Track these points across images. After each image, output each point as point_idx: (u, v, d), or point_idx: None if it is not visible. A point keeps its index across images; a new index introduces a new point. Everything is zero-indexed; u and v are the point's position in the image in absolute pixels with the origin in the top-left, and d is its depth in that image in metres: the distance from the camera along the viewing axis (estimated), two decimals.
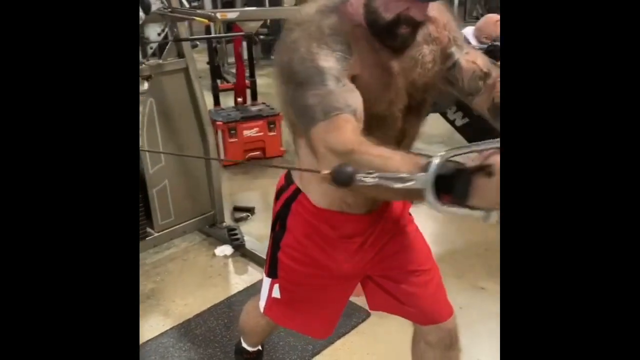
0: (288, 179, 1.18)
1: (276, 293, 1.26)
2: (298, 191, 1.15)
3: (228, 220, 2.74)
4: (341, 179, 0.75)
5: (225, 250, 2.49)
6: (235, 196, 3.11)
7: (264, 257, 2.31)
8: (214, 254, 2.48)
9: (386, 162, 0.78)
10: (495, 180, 0.69)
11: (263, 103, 3.83)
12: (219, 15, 1.88)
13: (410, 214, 1.27)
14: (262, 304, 1.31)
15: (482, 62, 1.11)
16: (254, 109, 3.71)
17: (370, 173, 0.75)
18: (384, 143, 1.01)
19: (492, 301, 2.05)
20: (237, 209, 2.91)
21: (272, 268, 1.25)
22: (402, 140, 1.07)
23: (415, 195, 0.74)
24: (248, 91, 3.91)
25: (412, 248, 1.24)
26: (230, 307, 2.09)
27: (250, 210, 2.88)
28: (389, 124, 1.03)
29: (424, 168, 0.73)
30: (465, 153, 0.75)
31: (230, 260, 2.44)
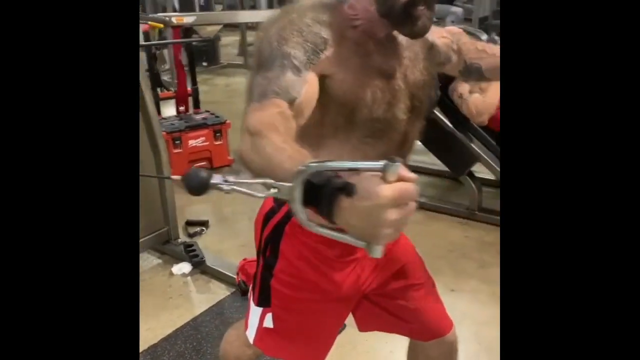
0: (277, 200, 1.10)
1: (268, 323, 1.18)
2: (291, 212, 1.07)
3: (182, 236, 2.60)
4: (192, 185, 0.70)
5: (183, 268, 2.36)
6: (185, 210, 2.97)
7: (226, 272, 2.25)
8: (171, 273, 2.34)
9: (274, 154, 0.73)
10: (362, 205, 0.59)
11: (207, 111, 3.70)
12: (174, 19, 1.77)
13: None
14: (251, 334, 1.22)
15: (446, 32, 1.14)
16: (198, 117, 3.57)
17: (227, 181, 0.70)
18: (388, 147, 0.99)
19: (463, 303, 2.07)
20: (189, 223, 2.77)
21: (263, 297, 1.16)
22: (404, 143, 1.04)
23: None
24: (190, 99, 3.77)
25: (407, 261, 1.21)
26: (197, 329, 1.97)
27: (205, 224, 2.76)
28: (394, 127, 1.00)
29: (295, 176, 0.64)
30: (339, 168, 0.63)
31: (189, 278, 2.31)
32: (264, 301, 1.16)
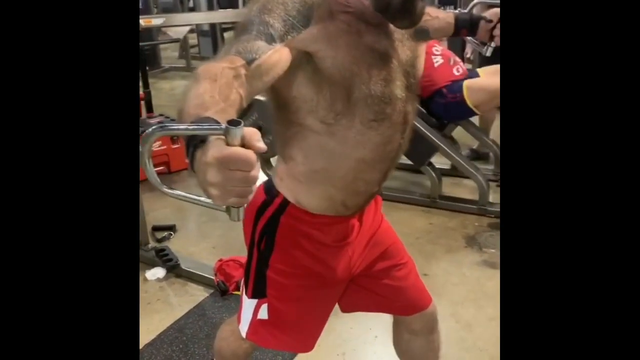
0: (271, 193, 1.12)
1: (263, 314, 1.20)
2: (286, 202, 1.10)
3: (151, 242, 2.57)
4: None
5: (157, 273, 2.33)
6: (149, 215, 2.92)
7: (202, 274, 2.25)
8: (145, 279, 2.30)
9: (191, 98, 0.74)
10: (201, 161, 0.62)
11: (161, 115, 3.64)
12: (142, 22, 1.76)
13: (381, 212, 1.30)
14: (244, 328, 1.24)
15: None
16: (152, 121, 3.50)
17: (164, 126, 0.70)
18: (392, 132, 1.02)
19: (437, 285, 2.17)
20: (156, 228, 2.73)
21: (257, 288, 1.18)
22: (405, 126, 1.07)
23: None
24: (142, 103, 3.69)
25: (390, 243, 1.27)
26: (181, 332, 1.96)
27: (172, 228, 2.73)
28: (394, 107, 1.02)
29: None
30: (186, 132, 0.65)
31: (165, 283, 2.29)
32: (259, 293, 1.18)
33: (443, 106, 2.80)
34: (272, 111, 1.06)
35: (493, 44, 1.35)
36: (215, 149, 0.60)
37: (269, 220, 1.12)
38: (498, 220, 2.68)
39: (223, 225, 2.86)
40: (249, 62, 0.83)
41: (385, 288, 1.25)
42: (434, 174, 2.87)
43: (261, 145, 0.62)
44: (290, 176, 1.08)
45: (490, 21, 1.31)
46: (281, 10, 0.90)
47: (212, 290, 2.21)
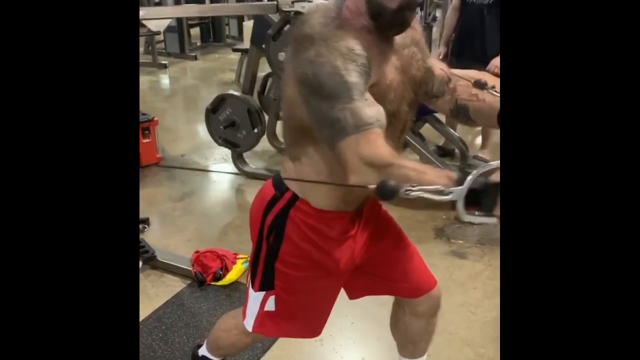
0: (280, 188, 1.17)
1: (270, 306, 1.25)
2: (295, 198, 1.15)
3: None
4: (386, 193, 0.86)
5: None
6: None
7: (179, 265, 2.27)
8: None
9: (422, 177, 0.91)
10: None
11: None
12: None
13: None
14: (250, 322, 1.29)
15: (445, 68, 1.26)
16: None
17: (413, 187, 0.87)
18: (390, 136, 1.06)
19: None
20: None
21: (266, 280, 1.23)
22: (402, 132, 1.14)
23: (444, 205, 0.90)
24: None
25: (391, 231, 1.33)
26: (160, 321, 1.98)
27: (146, 222, 2.73)
28: (399, 119, 1.09)
29: (459, 182, 0.88)
30: (490, 170, 0.90)
31: (141, 275, 2.29)
32: (267, 285, 1.23)
33: None
34: (288, 120, 1.11)
35: None
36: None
37: (279, 214, 1.16)
38: None
39: (197, 218, 2.88)
40: (382, 128, 0.96)
41: (391, 271, 1.31)
42: None
43: None
44: (299, 175, 1.13)
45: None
46: (352, 65, 0.95)
47: (189, 281, 2.23)
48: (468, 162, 3.40)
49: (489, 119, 1.23)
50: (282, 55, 2.56)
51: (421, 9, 5.13)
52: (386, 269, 1.32)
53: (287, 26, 2.65)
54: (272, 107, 3.24)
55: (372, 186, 0.86)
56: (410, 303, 1.37)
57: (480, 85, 1.21)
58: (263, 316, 1.26)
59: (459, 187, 0.87)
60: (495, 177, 0.88)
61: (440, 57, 3.26)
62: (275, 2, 2.46)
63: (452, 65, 2.99)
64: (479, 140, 3.66)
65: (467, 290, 2.20)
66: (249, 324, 1.29)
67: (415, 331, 1.42)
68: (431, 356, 1.54)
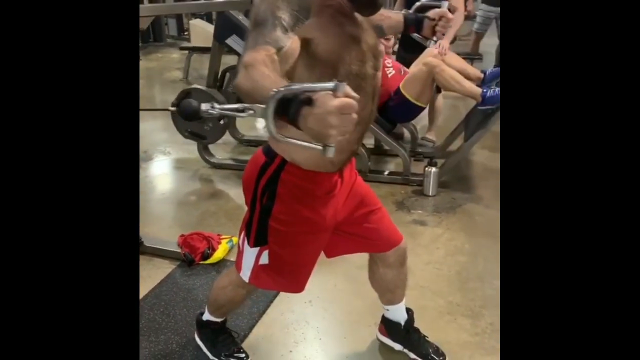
0: (270, 155, 1.34)
1: (264, 260, 1.42)
2: (284, 161, 1.31)
3: None
4: (187, 112, 0.93)
5: None
6: None
7: (167, 249, 2.41)
8: None
9: (261, 80, 0.96)
10: (317, 111, 0.83)
11: None
12: None
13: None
14: (246, 273, 1.46)
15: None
16: None
17: (214, 107, 0.98)
18: (365, 99, 1.26)
19: None
20: None
21: (259, 237, 1.39)
22: (374, 95, 1.33)
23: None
24: None
25: (365, 194, 1.53)
26: (159, 298, 2.12)
27: None
28: (367, 81, 1.26)
29: (269, 96, 0.87)
30: (304, 89, 0.86)
31: None
32: (260, 241, 1.40)
33: (392, 109, 3.14)
34: None
35: (435, 38, 1.61)
36: (333, 100, 0.82)
37: (271, 177, 1.33)
38: (420, 188, 3.09)
39: (173, 207, 3.01)
40: (278, 50, 1.06)
41: (366, 230, 1.52)
42: (364, 152, 3.23)
43: (356, 95, 0.85)
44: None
45: (433, 19, 1.53)
46: (288, 6, 1.11)
47: (178, 262, 2.38)
48: (417, 143, 3.71)
49: (396, 28, 1.57)
50: None
51: None
52: (361, 229, 1.51)
53: None
54: (231, 100, 3.41)
55: (172, 108, 0.94)
56: (381, 257, 1.60)
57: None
58: (258, 269, 1.44)
59: (261, 105, 0.88)
60: (317, 95, 0.85)
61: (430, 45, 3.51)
62: None
63: (405, 59, 3.28)
64: (426, 122, 3.98)
65: (431, 251, 2.48)
66: (245, 275, 1.46)
67: (390, 280, 1.65)
68: (409, 307, 1.79)
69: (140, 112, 5.02)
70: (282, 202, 1.35)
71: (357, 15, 1.26)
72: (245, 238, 1.44)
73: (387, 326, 1.80)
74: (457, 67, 3.08)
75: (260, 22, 1.10)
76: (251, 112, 0.89)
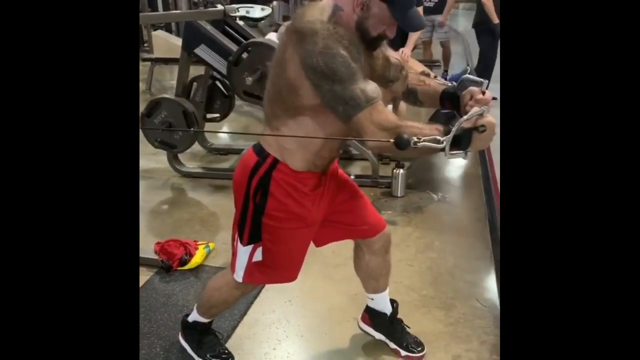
0: (262, 155, 1.41)
1: (258, 256, 1.49)
2: (276, 161, 1.39)
3: None
4: (402, 144, 1.16)
5: None
6: None
7: (144, 256, 2.42)
8: None
9: (422, 131, 1.20)
10: (488, 134, 1.21)
11: None
12: None
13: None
14: (240, 273, 1.52)
15: (398, 56, 1.58)
16: None
17: (419, 139, 1.17)
18: None
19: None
20: None
21: (253, 234, 1.46)
22: None
23: (433, 150, 1.21)
24: None
25: (347, 185, 1.62)
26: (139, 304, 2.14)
27: None
28: None
29: (447, 132, 1.18)
30: (465, 119, 1.20)
31: None
32: (254, 238, 1.47)
33: None
34: (278, 92, 1.33)
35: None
36: (491, 119, 1.21)
37: (264, 176, 1.41)
38: (388, 190, 3.20)
39: (146, 216, 3.02)
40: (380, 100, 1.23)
41: (351, 217, 1.60)
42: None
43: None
44: (278, 143, 1.39)
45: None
46: (352, 55, 1.22)
47: (155, 269, 2.39)
48: None
49: (433, 100, 1.50)
50: (248, 80, 2.75)
51: None
52: (346, 216, 1.60)
53: (245, 54, 2.84)
54: (199, 109, 3.44)
55: (391, 140, 1.16)
56: (367, 243, 1.68)
57: (426, 74, 1.55)
58: (252, 267, 1.50)
59: (448, 136, 1.17)
60: (469, 123, 1.19)
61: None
62: (223, 9, 2.70)
63: None
64: None
65: (403, 249, 2.57)
66: (239, 275, 1.52)
67: (374, 267, 1.73)
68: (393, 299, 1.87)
69: None
70: (275, 199, 1.42)
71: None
72: (238, 238, 1.50)
73: (372, 316, 1.87)
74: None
75: (344, 77, 1.20)
76: (444, 143, 1.18)
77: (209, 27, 3.08)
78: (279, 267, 1.54)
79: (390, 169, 3.20)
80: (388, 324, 1.83)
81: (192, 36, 3.10)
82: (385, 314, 1.82)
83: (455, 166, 3.65)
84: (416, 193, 3.21)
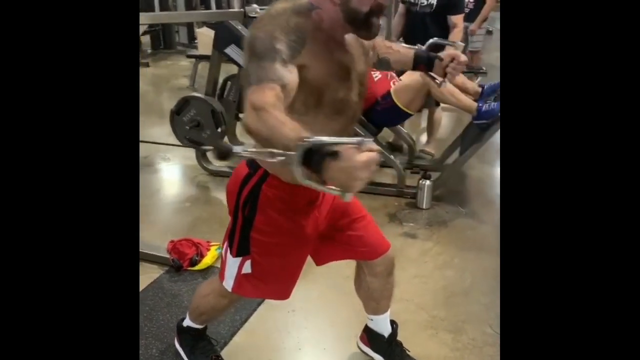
0: (253, 166, 1.35)
1: (247, 269, 1.43)
2: (267, 174, 1.33)
3: None
4: (221, 153, 0.97)
5: None
6: None
7: (156, 254, 2.43)
8: None
9: (279, 126, 0.97)
10: (341, 165, 0.87)
11: None
12: None
13: None
14: (229, 283, 1.47)
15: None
16: None
17: (246, 150, 1.00)
18: (345, 122, 1.29)
19: None
20: None
21: (242, 247, 1.41)
22: (354, 119, 1.35)
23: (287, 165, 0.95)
24: None
25: (349, 203, 1.53)
26: (143, 303, 2.14)
27: None
28: (350, 107, 1.29)
29: (297, 146, 0.91)
30: (330, 142, 0.90)
31: None
32: (243, 251, 1.42)
33: (379, 113, 3.14)
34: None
35: (447, 80, 1.48)
36: (360, 156, 0.86)
37: (253, 188, 1.35)
38: (414, 200, 3.09)
39: (167, 213, 3.04)
40: (283, 87, 1.07)
41: (350, 238, 1.52)
42: None
43: (378, 148, 0.88)
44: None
45: (442, 59, 1.45)
46: (285, 37, 1.12)
47: (166, 268, 2.40)
48: (415, 156, 3.71)
49: (406, 65, 1.51)
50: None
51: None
52: (345, 236, 1.52)
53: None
54: (231, 108, 3.44)
55: (209, 148, 0.98)
56: (369, 265, 1.60)
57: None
58: (241, 278, 1.45)
59: (292, 153, 0.91)
60: (342, 149, 0.88)
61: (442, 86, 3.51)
62: (243, 10, 2.68)
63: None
64: (424, 136, 3.99)
65: (419, 264, 2.47)
66: (228, 284, 1.47)
67: (375, 290, 1.65)
68: (393, 319, 1.78)
69: (147, 117, 5.10)
70: (264, 213, 1.36)
71: (349, 41, 1.28)
72: (228, 248, 1.46)
73: (370, 336, 1.80)
74: (455, 82, 3.08)
75: (260, 54, 1.11)
76: (281, 158, 0.92)
77: (240, 27, 3.06)
78: (269, 281, 1.48)
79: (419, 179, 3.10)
80: (386, 345, 1.75)
81: (222, 35, 3.10)
82: (383, 336, 1.74)
83: (489, 180, 3.49)
84: (443, 206, 3.08)
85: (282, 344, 1.94)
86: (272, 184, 1.34)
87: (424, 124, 4.22)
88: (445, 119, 4.08)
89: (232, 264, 1.45)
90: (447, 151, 3.58)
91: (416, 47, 1.50)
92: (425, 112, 3.93)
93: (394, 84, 3.19)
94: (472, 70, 4.57)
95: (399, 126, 3.69)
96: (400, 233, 2.77)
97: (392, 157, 3.21)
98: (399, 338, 1.79)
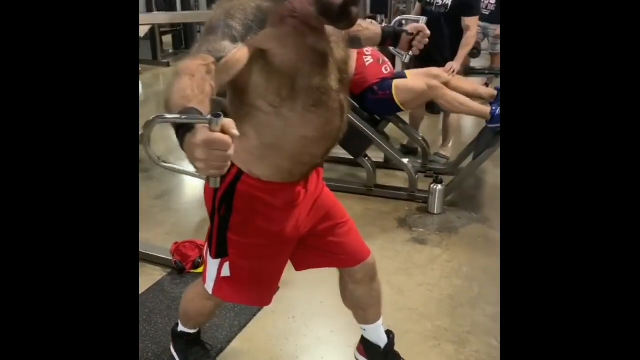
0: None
1: (226, 272, 1.38)
2: (240, 172, 1.27)
3: None
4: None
5: None
6: None
7: (159, 255, 2.41)
8: None
9: (176, 92, 0.91)
10: (194, 141, 0.79)
11: None
12: None
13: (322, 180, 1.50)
14: (210, 285, 1.42)
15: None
16: None
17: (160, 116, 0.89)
18: (329, 115, 1.23)
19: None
20: None
21: (220, 248, 1.36)
22: (342, 111, 1.28)
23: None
24: None
25: (331, 206, 1.48)
26: (143, 305, 2.12)
27: None
28: (330, 96, 1.21)
29: (153, 118, 0.86)
30: (184, 119, 0.84)
31: None
32: (221, 252, 1.36)
33: (373, 102, 3.09)
34: (228, 94, 1.24)
35: (411, 53, 1.54)
36: (202, 133, 0.79)
37: (227, 189, 1.29)
38: (425, 205, 3.02)
39: (174, 214, 3.03)
40: (218, 60, 1.01)
41: (330, 244, 1.47)
42: (369, 166, 3.18)
43: (235, 132, 0.80)
44: (244, 150, 1.23)
45: (411, 34, 1.50)
46: (242, 15, 1.07)
47: (169, 270, 2.38)
48: (430, 159, 3.63)
49: (375, 41, 1.54)
50: None
51: (386, 17, 5.38)
52: (325, 242, 1.46)
53: None
54: None
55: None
56: (349, 272, 1.54)
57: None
58: (221, 281, 1.40)
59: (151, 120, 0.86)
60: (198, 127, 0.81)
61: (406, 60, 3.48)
62: None
63: (415, 65, 3.24)
64: (440, 139, 3.90)
65: (426, 272, 2.41)
66: (209, 287, 1.43)
67: (360, 297, 1.59)
68: (392, 330, 1.73)
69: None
70: (239, 213, 1.31)
71: (326, 27, 1.21)
72: (208, 249, 1.42)
73: (366, 347, 1.74)
74: (467, 89, 3.04)
75: (211, 29, 1.08)
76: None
77: None
78: (247, 285, 1.43)
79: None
80: (382, 356, 1.69)
81: None
82: (379, 347, 1.68)
83: None
84: (455, 211, 3.00)
85: (279, 351, 1.90)
86: (247, 183, 1.28)
87: (441, 126, 4.14)
88: (467, 121, 3.99)
89: (212, 265, 1.41)
90: (463, 155, 3.50)
91: (382, 23, 1.53)
92: (442, 115, 3.86)
93: (386, 69, 3.15)
94: (491, 72, 4.46)
95: (412, 129, 3.62)
96: (409, 239, 2.70)
97: (403, 160, 3.14)
98: (400, 348, 1.73)
